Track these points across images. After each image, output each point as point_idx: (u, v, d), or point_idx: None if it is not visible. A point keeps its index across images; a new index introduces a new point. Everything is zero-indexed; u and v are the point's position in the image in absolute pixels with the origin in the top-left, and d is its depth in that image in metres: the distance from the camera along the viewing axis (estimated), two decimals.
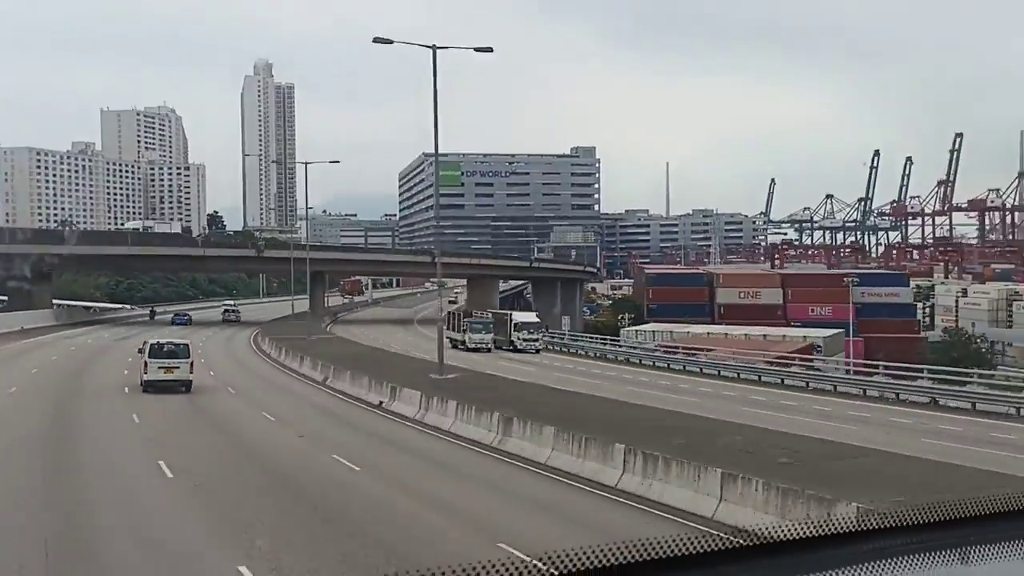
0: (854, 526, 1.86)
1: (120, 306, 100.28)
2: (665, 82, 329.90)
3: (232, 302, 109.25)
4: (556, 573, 1.43)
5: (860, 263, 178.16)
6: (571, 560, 1.47)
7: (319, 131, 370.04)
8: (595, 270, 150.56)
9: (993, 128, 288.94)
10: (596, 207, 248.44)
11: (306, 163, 61.04)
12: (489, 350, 55.14)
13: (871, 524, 1.87)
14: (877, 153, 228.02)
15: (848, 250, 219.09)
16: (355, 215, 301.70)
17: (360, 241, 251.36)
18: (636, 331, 59.81)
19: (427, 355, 42.22)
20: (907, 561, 1.78)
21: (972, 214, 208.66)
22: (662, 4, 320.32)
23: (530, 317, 61.66)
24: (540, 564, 1.43)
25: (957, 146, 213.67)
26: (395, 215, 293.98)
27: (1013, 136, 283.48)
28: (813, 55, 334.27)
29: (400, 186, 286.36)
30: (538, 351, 56.71)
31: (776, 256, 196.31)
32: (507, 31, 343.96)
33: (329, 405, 31.65)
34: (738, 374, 38.87)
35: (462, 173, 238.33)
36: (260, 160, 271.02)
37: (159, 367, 32.54)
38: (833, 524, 1.83)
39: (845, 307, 64.45)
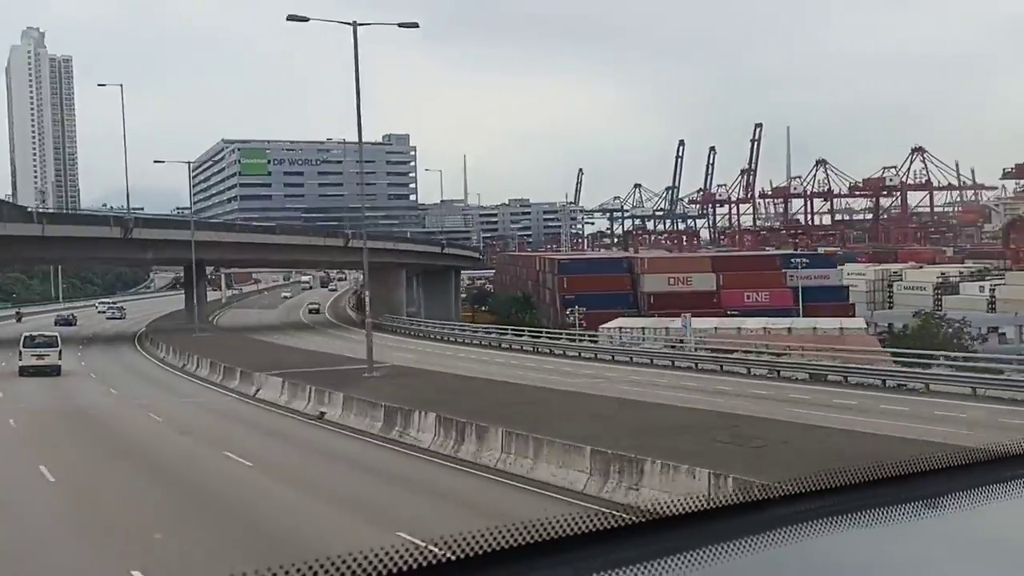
0: (739, 498, 1.86)
1: None
2: (470, 77, 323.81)
3: (111, 299, 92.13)
4: (451, 556, 1.43)
5: (695, 248, 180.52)
6: (463, 544, 1.46)
7: (99, 117, 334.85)
8: (479, 256, 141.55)
9: (790, 119, 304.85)
10: (413, 197, 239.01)
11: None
12: None
13: (756, 495, 1.87)
14: (682, 143, 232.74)
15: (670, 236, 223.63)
16: (142, 208, 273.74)
17: None
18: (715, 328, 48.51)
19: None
20: (810, 527, 1.82)
21: (778, 200, 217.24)
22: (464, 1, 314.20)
23: None
24: (435, 548, 1.43)
25: (757, 136, 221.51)
26: (188, 208, 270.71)
27: (807, 127, 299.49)
28: (610, 52, 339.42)
29: (194, 176, 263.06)
30: None
31: (629, 242, 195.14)
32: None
33: None
34: (845, 378, 31.21)
35: (269, 161, 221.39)
36: (33, 144, 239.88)
37: (32, 355, 38.36)
38: (721, 497, 1.83)
39: (782, 292, 59.61)
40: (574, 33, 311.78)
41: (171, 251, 63.74)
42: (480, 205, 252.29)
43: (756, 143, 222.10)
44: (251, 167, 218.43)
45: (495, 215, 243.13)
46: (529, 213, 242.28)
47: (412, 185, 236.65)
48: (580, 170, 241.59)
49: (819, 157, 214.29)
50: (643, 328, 47.16)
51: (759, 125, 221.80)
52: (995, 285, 76.08)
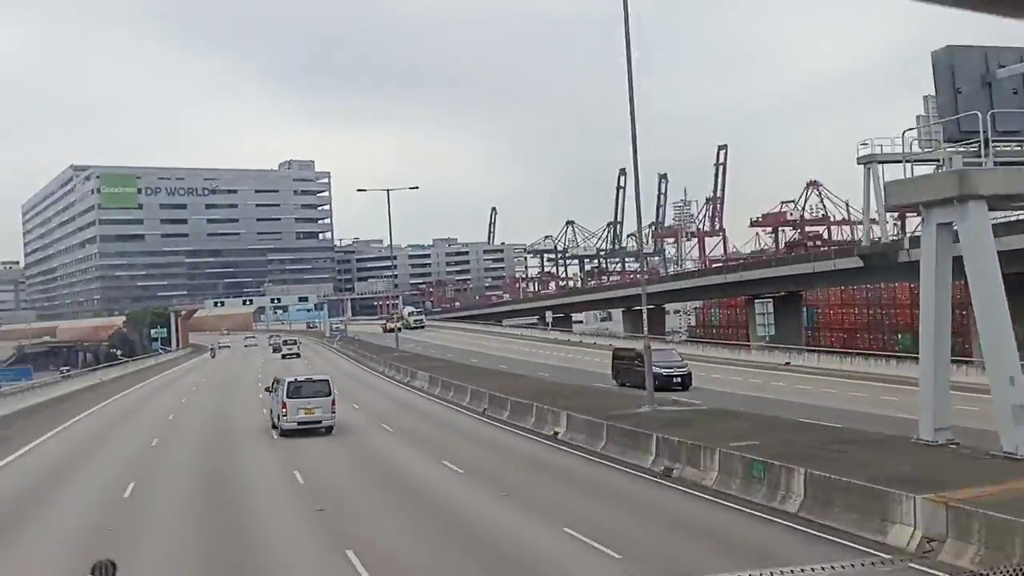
0: None
1: None
2: (325, 124, 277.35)
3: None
4: None
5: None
6: None
7: None
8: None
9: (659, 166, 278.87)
10: (328, 235, 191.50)
11: None
12: None
13: None
14: (624, 172, 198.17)
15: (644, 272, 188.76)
16: None
17: None
18: None
19: None
20: None
21: (767, 229, 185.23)
22: (316, 51, 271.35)
23: None
24: None
25: (722, 159, 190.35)
26: (17, 263, 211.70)
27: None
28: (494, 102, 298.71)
29: (26, 222, 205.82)
30: None
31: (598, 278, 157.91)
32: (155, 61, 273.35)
33: None
34: None
35: (139, 191, 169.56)
36: None
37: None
38: None
39: None
40: (429, 82, 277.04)
41: None
42: (398, 245, 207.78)
43: (721, 167, 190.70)
44: (116, 198, 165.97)
45: (427, 256, 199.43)
46: (467, 253, 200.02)
47: (327, 220, 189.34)
48: (493, 209, 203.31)
49: (811, 178, 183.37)
50: None
51: (723, 147, 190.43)
52: None
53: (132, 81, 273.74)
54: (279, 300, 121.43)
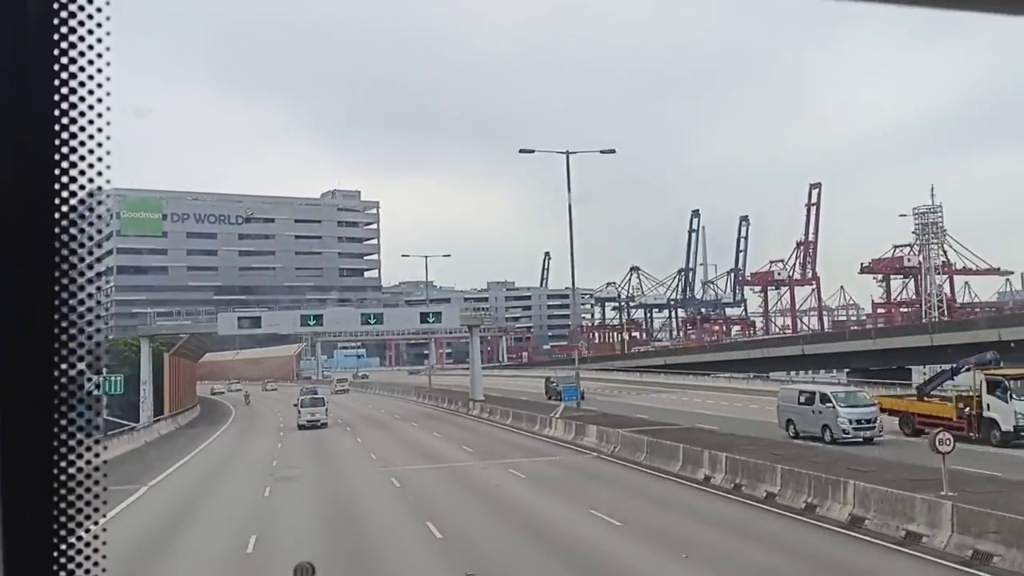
0: None
1: None
2: (368, 172, 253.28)
3: None
4: None
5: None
6: None
7: None
8: None
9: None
10: (376, 273, 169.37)
11: None
12: None
13: None
14: (697, 213, 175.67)
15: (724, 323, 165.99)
16: None
17: None
18: None
19: None
20: None
21: (878, 277, 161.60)
22: (364, 102, 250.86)
23: None
24: None
25: (815, 199, 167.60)
26: None
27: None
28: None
29: None
30: None
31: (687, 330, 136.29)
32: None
33: None
34: None
35: (164, 217, 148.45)
36: None
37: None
38: None
39: None
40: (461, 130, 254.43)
41: None
42: (451, 288, 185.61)
43: (815, 207, 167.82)
44: (137, 224, 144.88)
45: (484, 299, 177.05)
46: (528, 298, 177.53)
47: (375, 256, 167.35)
48: (547, 253, 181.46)
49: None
50: None
51: (816, 185, 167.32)
52: None
53: (177, 126, 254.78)
54: (377, 318, 69.68)
